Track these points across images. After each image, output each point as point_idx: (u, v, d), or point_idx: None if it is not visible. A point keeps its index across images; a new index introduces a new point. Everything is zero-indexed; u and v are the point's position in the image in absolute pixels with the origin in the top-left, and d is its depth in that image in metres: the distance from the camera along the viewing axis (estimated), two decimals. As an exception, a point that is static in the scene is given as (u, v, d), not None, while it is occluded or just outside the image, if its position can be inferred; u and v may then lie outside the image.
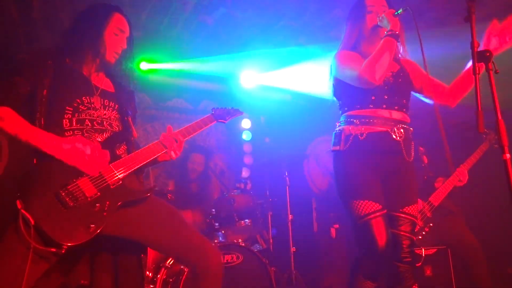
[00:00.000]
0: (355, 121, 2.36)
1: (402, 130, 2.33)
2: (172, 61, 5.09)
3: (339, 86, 2.48)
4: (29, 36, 4.08)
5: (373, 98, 2.34)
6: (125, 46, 2.13)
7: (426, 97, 2.52)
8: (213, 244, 2.09)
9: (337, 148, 2.39)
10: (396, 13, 2.28)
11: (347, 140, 2.35)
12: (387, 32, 2.26)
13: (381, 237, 2.19)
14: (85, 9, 2.12)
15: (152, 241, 2.00)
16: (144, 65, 4.97)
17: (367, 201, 2.25)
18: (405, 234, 2.30)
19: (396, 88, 2.38)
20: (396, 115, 2.36)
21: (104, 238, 1.87)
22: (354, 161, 2.34)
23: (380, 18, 2.33)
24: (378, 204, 2.25)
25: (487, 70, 1.67)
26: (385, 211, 2.27)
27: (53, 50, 2.05)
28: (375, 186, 2.31)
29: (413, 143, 2.43)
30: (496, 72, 1.67)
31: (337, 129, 2.45)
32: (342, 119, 2.46)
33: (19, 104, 1.87)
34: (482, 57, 1.68)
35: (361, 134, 2.32)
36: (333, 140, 2.45)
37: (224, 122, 2.52)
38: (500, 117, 1.61)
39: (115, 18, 2.10)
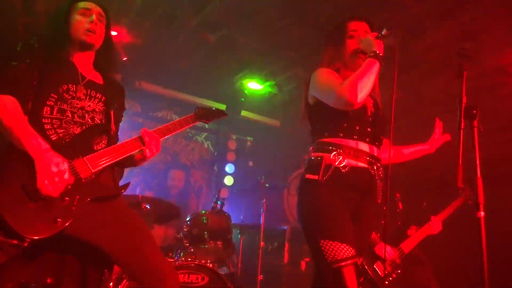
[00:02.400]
0: (338, 150, 2.10)
1: (380, 170, 2.19)
2: (167, 73, 5.11)
3: (318, 108, 2.20)
4: (29, 27, 4.07)
5: (357, 128, 2.13)
6: (99, 22, 2.10)
7: None
8: (173, 268, 2.03)
9: (315, 177, 2.10)
10: (379, 35, 2.07)
11: (327, 170, 2.08)
12: (369, 53, 2.06)
13: None
14: None
15: (112, 252, 1.91)
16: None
17: (342, 244, 1.97)
18: None
19: (378, 122, 2.20)
20: (376, 152, 2.19)
21: (70, 240, 1.81)
22: (332, 196, 2.07)
23: (362, 40, 2.15)
24: (352, 250, 1.98)
25: (472, 127, 1.71)
26: (357, 259, 2.01)
27: (44, 37, 2.06)
28: (350, 227, 2.06)
29: (382, 184, 2.23)
30: (480, 130, 1.71)
31: (314, 155, 2.17)
32: (319, 145, 2.18)
33: (10, 84, 1.84)
34: (468, 114, 1.73)
35: (344, 167, 2.08)
36: (307, 167, 2.17)
37: (207, 123, 2.43)
38: (479, 174, 1.64)
39: (78, 2, 2.11)
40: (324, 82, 2.13)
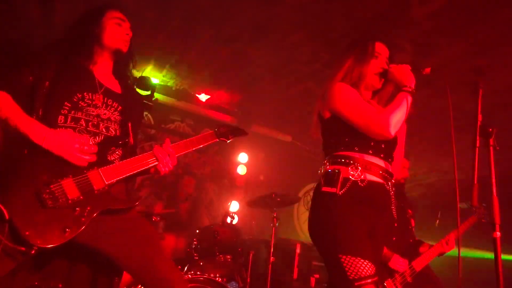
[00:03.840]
0: (355, 164, 2.06)
1: (393, 185, 2.17)
2: (181, 85, 5.16)
3: (334, 123, 2.19)
4: (47, 38, 4.15)
5: (372, 144, 2.11)
6: (131, 34, 2.16)
7: None
8: (183, 279, 2.02)
9: (333, 190, 2.03)
10: (415, 69, 2.11)
11: (345, 183, 2.02)
12: (404, 87, 2.10)
13: None
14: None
15: (122, 261, 1.91)
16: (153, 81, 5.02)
17: (364, 260, 1.88)
18: None
19: (391, 139, 2.16)
20: (390, 167, 2.17)
21: (81, 248, 1.82)
22: (351, 210, 2.01)
23: (396, 68, 2.17)
24: (373, 267, 1.91)
25: (488, 145, 1.69)
26: (377, 277, 1.93)
27: (62, 45, 2.08)
28: (368, 244, 1.99)
29: (395, 201, 2.21)
30: (496, 149, 1.69)
31: (331, 168, 2.11)
32: (335, 158, 2.13)
33: (20, 92, 1.86)
34: (484, 132, 1.71)
35: (362, 181, 2.03)
36: (324, 180, 2.10)
37: (226, 141, 2.40)
38: (495, 193, 1.61)
39: (113, 11, 2.15)
40: (356, 107, 2.10)
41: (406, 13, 3.31)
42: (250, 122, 5.80)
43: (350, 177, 2.04)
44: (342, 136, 2.16)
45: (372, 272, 1.89)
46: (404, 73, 2.13)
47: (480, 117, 1.71)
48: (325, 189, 2.06)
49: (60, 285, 1.99)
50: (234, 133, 2.43)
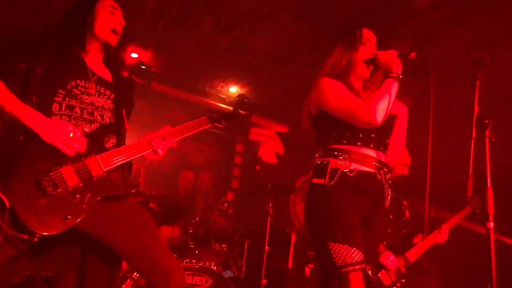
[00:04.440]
0: (342, 155, 2.11)
1: (388, 175, 2.18)
2: (179, 74, 5.13)
3: (322, 118, 2.22)
4: (45, 25, 4.11)
5: (360, 135, 2.14)
6: (124, 22, 2.12)
7: None
8: (180, 267, 2.03)
9: (321, 181, 2.09)
10: (403, 55, 2.10)
11: (334, 174, 2.08)
12: (390, 73, 2.09)
13: None
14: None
15: (120, 248, 1.92)
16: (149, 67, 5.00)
17: (351, 248, 1.94)
18: None
19: (382, 126, 2.16)
20: (382, 156, 2.18)
21: (79, 236, 1.83)
22: (340, 199, 2.06)
23: (383, 54, 2.16)
24: (361, 254, 1.96)
25: (484, 136, 1.69)
26: (365, 265, 1.98)
27: (55, 33, 2.06)
28: (359, 232, 2.04)
29: (390, 190, 2.24)
30: (491, 140, 1.69)
31: (320, 160, 2.17)
32: (325, 151, 2.19)
33: (12, 79, 1.84)
34: (480, 123, 1.71)
35: (351, 171, 2.08)
36: (314, 171, 2.17)
37: (220, 126, 2.43)
38: (489, 184, 1.62)
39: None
40: (340, 99, 2.11)
41: (408, 3, 3.29)
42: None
43: (339, 167, 2.08)
44: (329, 131, 2.20)
45: (359, 259, 1.94)
46: (390, 58, 2.12)
47: (476, 109, 1.72)
48: (315, 180, 2.14)
49: (53, 274, 2.00)
50: (227, 118, 2.46)
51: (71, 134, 1.80)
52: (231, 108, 2.58)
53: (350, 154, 2.10)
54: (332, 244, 1.96)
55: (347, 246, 1.94)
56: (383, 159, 2.17)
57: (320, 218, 2.08)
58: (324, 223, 2.05)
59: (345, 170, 2.08)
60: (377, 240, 2.27)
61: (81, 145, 1.83)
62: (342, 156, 2.10)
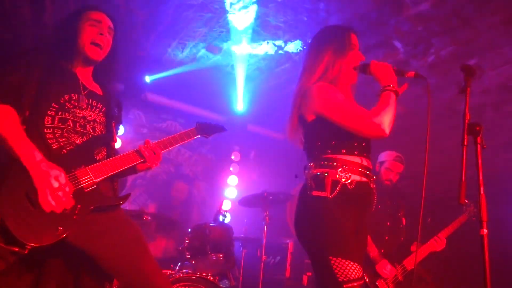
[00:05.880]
0: (342, 166, 2.06)
1: (374, 180, 2.18)
2: (172, 85, 5.14)
3: (319, 126, 2.14)
4: (38, 38, 4.11)
5: (356, 144, 2.11)
6: (108, 34, 2.09)
7: None
8: (168, 282, 2.02)
9: (323, 194, 2.03)
10: (399, 71, 2.08)
11: (335, 187, 2.02)
12: (386, 86, 2.05)
13: None
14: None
15: (109, 262, 1.89)
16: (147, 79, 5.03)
17: (354, 263, 1.90)
18: None
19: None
20: (370, 164, 2.17)
21: (63, 249, 1.79)
22: (341, 213, 2.02)
23: (377, 65, 2.10)
24: (361, 271, 1.95)
25: (475, 143, 1.70)
26: (363, 281, 1.97)
27: (47, 47, 2.06)
28: (357, 246, 2.03)
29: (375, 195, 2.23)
30: (483, 147, 1.70)
31: (319, 172, 2.09)
32: (322, 161, 2.10)
33: (7, 93, 1.82)
34: (472, 130, 1.72)
35: (350, 183, 2.04)
36: (313, 184, 2.08)
37: (207, 137, 2.47)
38: (482, 191, 1.63)
39: (89, 12, 2.10)
40: (346, 108, 2.05)
41: (397, 12, 3.32)
42: (245, 121, 5.80)
43: (339, 180, 2.04)
44: (328, 139, 2.13)
45: (360, 275, 1.91)
46: (386, 72, 2.08)
47: (468, 116, 1.72)
48: (316, 193, 2.05)
49: None
50: (214, 129, 2.50)
51: (60, 193, 1.71)
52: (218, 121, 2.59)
53: (349, 165, 2.06)
54: (334, 258, 1.91)
55: (349, 261, 1.90)
56: (371, 167, 2.17)
57: (320, 232, 2.01)
58: (325, 237, 1.99)
59: (346, 182, 2.04)
60: (365, 244, 2.26)
61: (58, 206, 1.71)
62: (342, 168, 2.06)
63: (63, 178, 1.75)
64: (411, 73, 2.07)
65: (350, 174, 2.05)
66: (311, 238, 2.06)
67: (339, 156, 2.09)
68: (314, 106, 2.12)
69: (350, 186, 2.05)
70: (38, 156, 1.73)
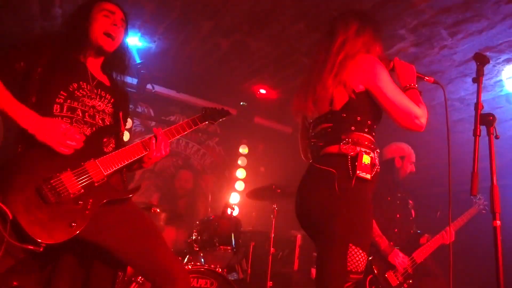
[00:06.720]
0: (376, 149, 2.00)
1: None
2: (180, 78, 5.13)
3: (364, 101, 2.00)
4: (46, 30, 4.12)
5: (375, 127, 2.09)
6: (121, 27, 2.09)
7: None
8: (184, 269, 2.02)
9: (368, 176, 1.89)
10: (420, 76, 2.12)
11: (373, 169, 1.93)
12: (411, 85, 2.05)
13: None
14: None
15: (124, 253, 1.90)
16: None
17: (366, 257, 1.88)
18: None
19: None
20: None
21: (75, 243, 1.79)
22: (371, 198, 1.95)
23: (403, 65, 2.11)
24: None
25: (488, 134, 1.67)
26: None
27: (57, 38, 2.04)
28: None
29: None
30: (496, 137, 1.67)
31: (356, 150, 1.92)
32: (359, 139, 1.96)
33: (10, 77, 1.81)
34: (485, 120, 1.69)
35: (378, 166, 1.99)
36: (357, 162, 1.90)
37: (214, 123, 2.48)
38: (495, 182, 1.60)
39: (103, 3, 2.09)
40: (399, 93, 1.95)
41: (407, 3, 3.27)
42: (252, 114, 5.79)
43: (375, 163, 1.98)
44: (366, 117, 2.01)
45: (363, 270, 1.89)
46: (409, 71, 2.10)
47: (481, 106, 1.70)
48: (361, 175, 1.89)
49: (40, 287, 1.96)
50: (220, 114, 2.50)
51: (62, 130, 1.76)
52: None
53: (376, 148, 2.02)
54: (353, 247, 1.84)
55: (364, 254, 1.86)
56: None
57: (352, 216, 1.86)
58: (354, 223, 1.86)
59: (377, 166, 1.99)
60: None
61: (77, 142, 1.80)
62: (376, 150, 2.01)
63: (64, 124, 1.78)
64: (430, 79, 2.11)
65: (378, 159, 2.02)
66: (338, 218, 1.87)
67: (372, 138, 2.02)
68: (366, 77, 1.98)
69: (378, 170, 2.00)
70: (33, 114, 1.75)
